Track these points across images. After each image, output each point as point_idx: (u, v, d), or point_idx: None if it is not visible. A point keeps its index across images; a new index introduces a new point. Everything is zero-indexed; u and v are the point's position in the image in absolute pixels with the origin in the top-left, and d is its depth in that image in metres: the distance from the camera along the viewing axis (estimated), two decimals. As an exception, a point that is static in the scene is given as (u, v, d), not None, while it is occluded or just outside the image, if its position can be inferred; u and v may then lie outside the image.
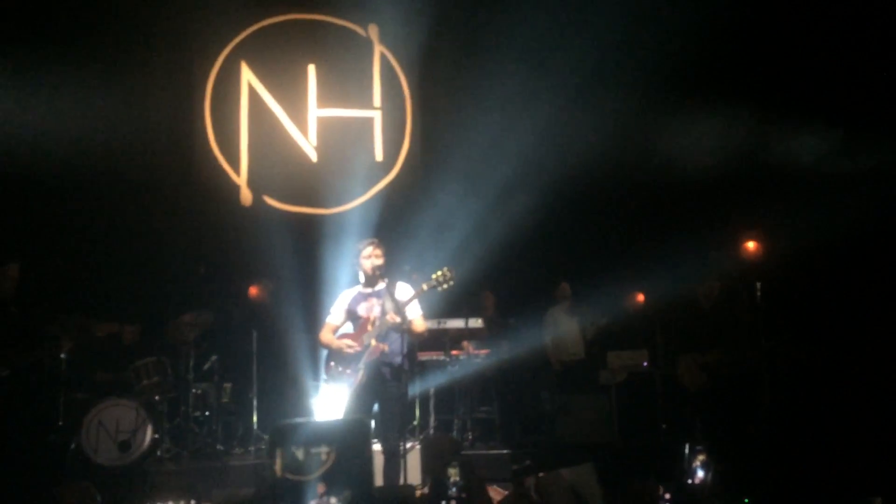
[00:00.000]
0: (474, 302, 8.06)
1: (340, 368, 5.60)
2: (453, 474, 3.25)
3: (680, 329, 7.56)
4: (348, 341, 5.61)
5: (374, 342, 5.51)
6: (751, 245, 8.23)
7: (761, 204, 8.11)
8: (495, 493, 6.00)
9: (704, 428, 6.54)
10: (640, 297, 8.52)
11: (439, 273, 5.51)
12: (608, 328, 8.32)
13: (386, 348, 5.51)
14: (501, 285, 8.63)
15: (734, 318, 7.21)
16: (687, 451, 4.85)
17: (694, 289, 7.52)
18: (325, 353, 5.86)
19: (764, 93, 8.45)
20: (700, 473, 4.79)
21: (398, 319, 5.40)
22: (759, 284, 7.21)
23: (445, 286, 5.53)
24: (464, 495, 3.23)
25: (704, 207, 8.29)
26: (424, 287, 5.53)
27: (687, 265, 7.45)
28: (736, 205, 8.33)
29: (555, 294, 8.62)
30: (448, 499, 3.08)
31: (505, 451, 7.17)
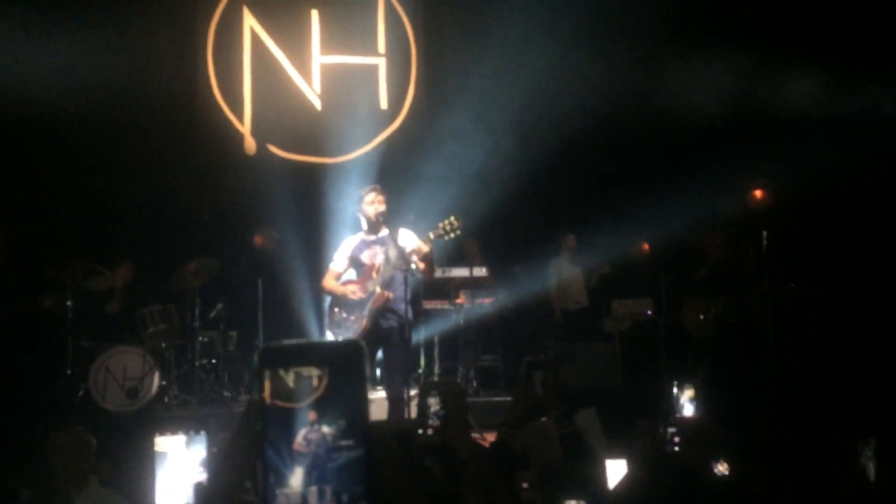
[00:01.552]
0: (458, 249, 7.99)
1: (344, 315, 5.62)
2: (433, 403, 3.24)
3: (684, 277, 7.57)
4: (353, 287, 5.63)
5: (378, 289, 5.52)
6: (757, 193, 8.17)
7: (766, 151, 8.02)
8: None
9: (708, 373, 6.56)
10: (646, 246, 8.51)
11: (446, 222, 5.51)
12: (611, 275, 8.32)
13: (390, 296, 5.53)
14: (505, 233, 8.61)
15: (739, 266, 7.20)
16: (675, 388, 4.88)
17: (699, 238, 7.51)
18: (328, 300, 5.89)
19: (768, 37, 8.31)
20: (688, 409, 4.82)
21: (402, 266, 5.42)
22: (765, 233, 7.19)
23: (452, 235, 5.53)
24: (439, 423, 3.23)
25: (710, 155, 8.20)
26: (431, 236, 5.52)
27: (692, 213, 7.41)
28: (741, 152, 8.24)
29: (560, 244, 8.60)
30: (426, 427, 3.07)
31: (508, 399, 7.20)
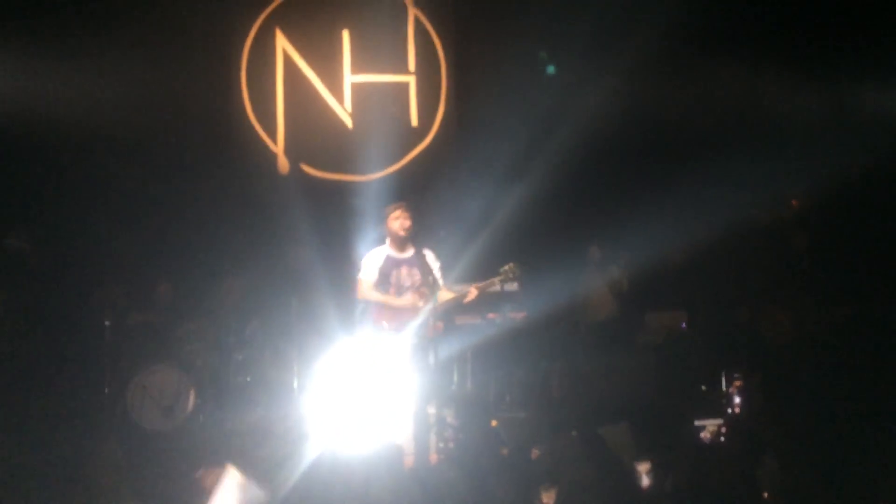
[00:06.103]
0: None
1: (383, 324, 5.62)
2: (448, 415, 3.23)
3: (720, 289, 7.47)
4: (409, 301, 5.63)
5: (432, 321, 5.49)
6: (794, 202, 8.04)
7: (790, 159, 7.90)
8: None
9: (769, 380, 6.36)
10: (679, 257, 8.40)
11: (507, 268, 5.59)
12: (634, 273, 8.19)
13: (441, 326, 5.55)
14: (537, 246, 8.57)
15: (775, 275, 7.10)
16: (724, 380, 4.84)
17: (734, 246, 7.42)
18: (359, 308, 5.91)
19: (786, 45, 8.21)
20: (737, 400, 4.78)
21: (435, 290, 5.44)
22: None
23: (514, 282, 5.63)
24: (460, 435, 3.20)
25: (737, 162, 8.09)
26: (497, 283, 5.62)
27: (722, 222, 7.33)
28: (768, 159, 8.11)
29: (587, 257, 8.54)
30: (445, 441, 3.07)
31: (541, 414, 7.16)
